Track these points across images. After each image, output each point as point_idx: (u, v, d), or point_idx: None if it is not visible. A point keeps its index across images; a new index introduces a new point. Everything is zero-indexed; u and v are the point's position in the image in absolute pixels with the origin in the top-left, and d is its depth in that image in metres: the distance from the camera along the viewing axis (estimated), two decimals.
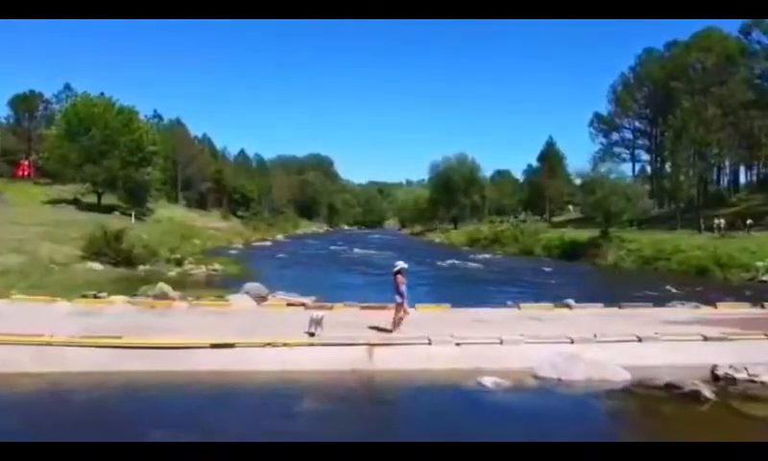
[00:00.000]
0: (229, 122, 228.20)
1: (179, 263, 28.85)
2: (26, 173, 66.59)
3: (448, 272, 34.16)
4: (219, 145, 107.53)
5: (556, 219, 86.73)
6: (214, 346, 10.62)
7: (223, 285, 22.68)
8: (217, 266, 28.20)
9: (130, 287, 19.69)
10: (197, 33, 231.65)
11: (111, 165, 51.35)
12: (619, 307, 15.96)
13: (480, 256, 43.06)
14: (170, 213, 67.44)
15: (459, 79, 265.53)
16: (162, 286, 17.32)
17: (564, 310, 15.70)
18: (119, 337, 10.80)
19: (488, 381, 9.92)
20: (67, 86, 69.79)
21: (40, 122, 71.10)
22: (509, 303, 18.51)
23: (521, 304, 15.95)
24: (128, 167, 52.62)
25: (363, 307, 14.99)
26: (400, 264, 12.36)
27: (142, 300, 15.18)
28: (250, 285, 18.61)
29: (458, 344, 11.24)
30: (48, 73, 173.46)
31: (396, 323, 12.00)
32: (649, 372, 10.49)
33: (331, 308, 14.69)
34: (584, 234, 45.69)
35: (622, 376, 10.30)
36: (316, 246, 56.08)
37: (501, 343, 11.31)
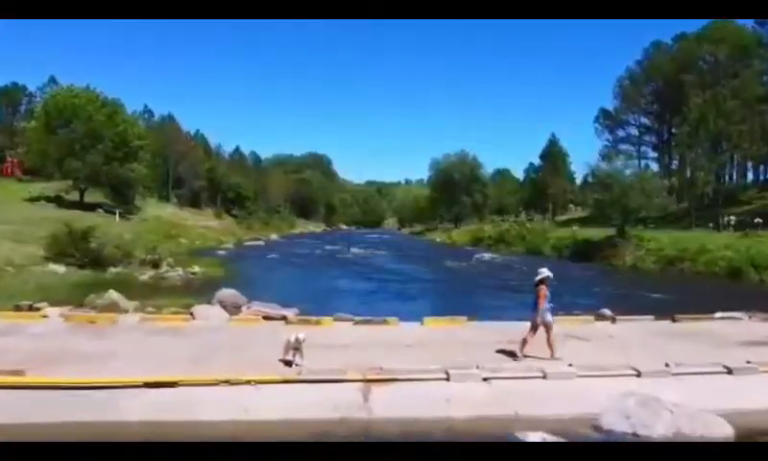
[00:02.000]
0: (226, 121, 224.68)
1: (155, 265, 25.82)
2: (11, 171, 63.44)
3: (455, 275, 31.15)
4: (213, 143, 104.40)
5: (559, 218, 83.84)
6: (149, 385, 7.63)
7: (199, 291, 19.72)
8: (197, 268, 25.20)
9: (88, 293, 16.69)
10: (196, 30, 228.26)
11: (94, 160, 48.18)
12: (673, 320, 12.99)
13: (486, 257, 40.09)
14: (159, 211, 64.50)
15: (458, 77, 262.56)
16: (112, 294, 14.27)
17: (606, 324, 12.72)
18: (20, 371, 7.80)
19: (534, 438, 6.94)
20: (52, 79, 66.68)
21: (24, 117, 67.86)
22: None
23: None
24: (111, 162, 49.41)
25: (358, 323, 12.02)
26: (545, 272, 9.73)
27: (81, 313, 12.15)
28: (225, 292, 15.59)
29: (486, 378, 8.25)
30: (33, 67, 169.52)
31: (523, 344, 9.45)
32: (754, 420, 7.55)
33: (317, 323, 11.72)
34: (597, 233, 42.69)
35: (721, 430, 7.31)
36: (311, 246, 53.06)
37: (545, 377, 8.34)
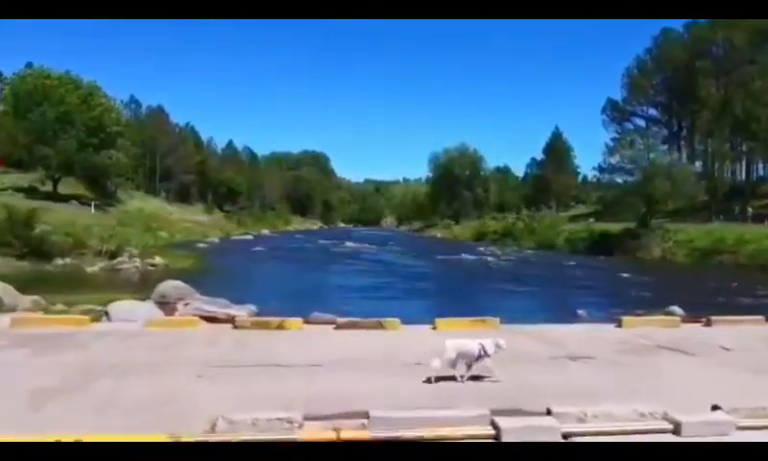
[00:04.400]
0: (222, 119, 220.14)
1: (112, 256, 22.00)
2: None
3: (466, 271, 27.08)
4: (205, 137, 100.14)
5: (563, 214, 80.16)
6: None
7: (150, 283, 15.93)
8: (159, 260, 21.36)
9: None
10: (192, 26, 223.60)
11: (67, 146, 44.18)
12: None
13: (496, 252, 36.27)
14: (143, 204, 60.72)
15: (457, 75, 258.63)
16: None
17: (700, 329, 8.88)
18: None
19: None
20: (29, 65, 62.55)
21: None
22: (581, 312, 11.80)
23: (621, 316, 9.10)
24: (85, 149, 45.41)
25: (341, 326, 8.19)
26: None
27: None
28: (167, 285, 11.78)
29: (567, 435, 4.39)
30: (13, 55, 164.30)
31: None
32: None
33: (280, 327, 7.91)
34: (614, 226, 38.90)
35: None
36: (303, 240, 49.20)
37: (676, 431, 4.48)
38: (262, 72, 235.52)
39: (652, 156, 35.34)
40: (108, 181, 51.64)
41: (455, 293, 18.34)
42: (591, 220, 46.98)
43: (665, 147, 35.69)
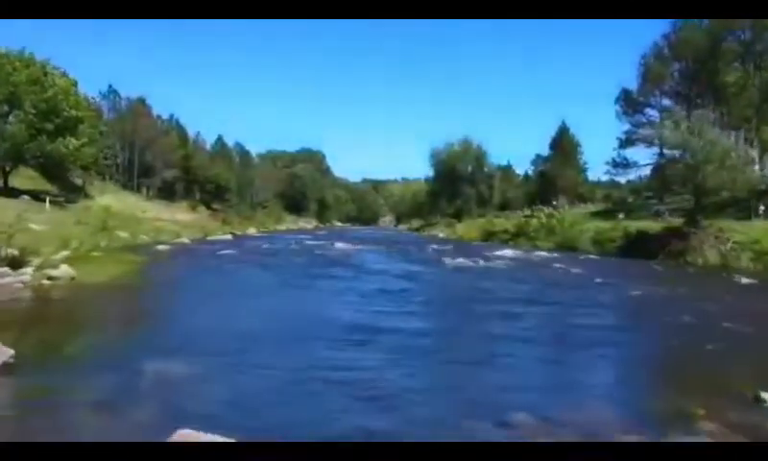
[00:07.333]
0: (218, 116, 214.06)
1: (11, 263, 16.13)
2: None
3: (491, 280, 20.81)
4: (192, 132, 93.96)
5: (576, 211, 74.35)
6: None
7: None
8: (64, 270, 15.43)
9: None
10: (191, 26, 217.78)
11: (15, 132, 38.36)
12: None
13: (510, 253, 30.44)
14: (114, 201, 54.88)
15: (457, 72, 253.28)
16: None
17: None
18: None
19: None
20: None
21: None
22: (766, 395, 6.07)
23: None
24: (38, 137, 39.50)
25: None
26: None
27: None
28: None
29: None
30: None
31: None
32: None
33: None
34: (652, 224, 33.20)
35: None
36: (289, 240, 43.32)
37: None
38: (259, 71, 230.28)
39: (708, 138, 28.98)
40: (69, 174, 45.72)
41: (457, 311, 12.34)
42: (621, 216, 41.15)
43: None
